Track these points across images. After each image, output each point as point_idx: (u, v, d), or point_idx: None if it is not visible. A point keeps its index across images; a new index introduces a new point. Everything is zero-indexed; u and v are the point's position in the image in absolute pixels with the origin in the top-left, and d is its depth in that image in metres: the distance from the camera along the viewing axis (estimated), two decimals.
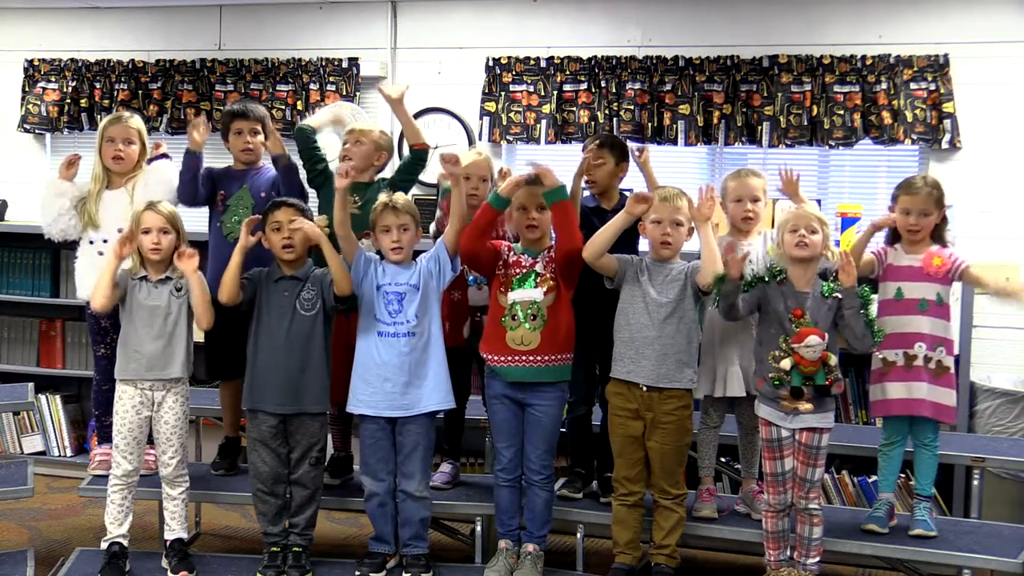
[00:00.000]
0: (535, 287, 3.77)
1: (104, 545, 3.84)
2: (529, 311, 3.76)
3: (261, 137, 4.33)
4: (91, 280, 4.01)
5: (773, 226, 4.12)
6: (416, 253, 3.94)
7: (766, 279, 3.71)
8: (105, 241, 4.21)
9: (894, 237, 3.94)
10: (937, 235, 3.89)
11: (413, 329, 3.80)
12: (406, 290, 3.82)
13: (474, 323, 4.12)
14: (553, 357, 3.78)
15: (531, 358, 3.76)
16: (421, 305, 3.81)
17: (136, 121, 4.38)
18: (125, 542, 3.86)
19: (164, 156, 4.42)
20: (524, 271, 3.80)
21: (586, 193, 4.21)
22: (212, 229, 4.34)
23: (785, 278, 3.70)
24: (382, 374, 3.79)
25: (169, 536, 3.90)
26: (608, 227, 3.75)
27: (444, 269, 3.85)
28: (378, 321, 3.83)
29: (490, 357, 3.83)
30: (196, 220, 4.95)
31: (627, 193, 4.13)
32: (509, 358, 3.78)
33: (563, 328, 3.79)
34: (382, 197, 3.87)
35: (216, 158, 4.56)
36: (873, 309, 3.76)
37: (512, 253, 3.84)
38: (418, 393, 3.81)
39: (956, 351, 3.99)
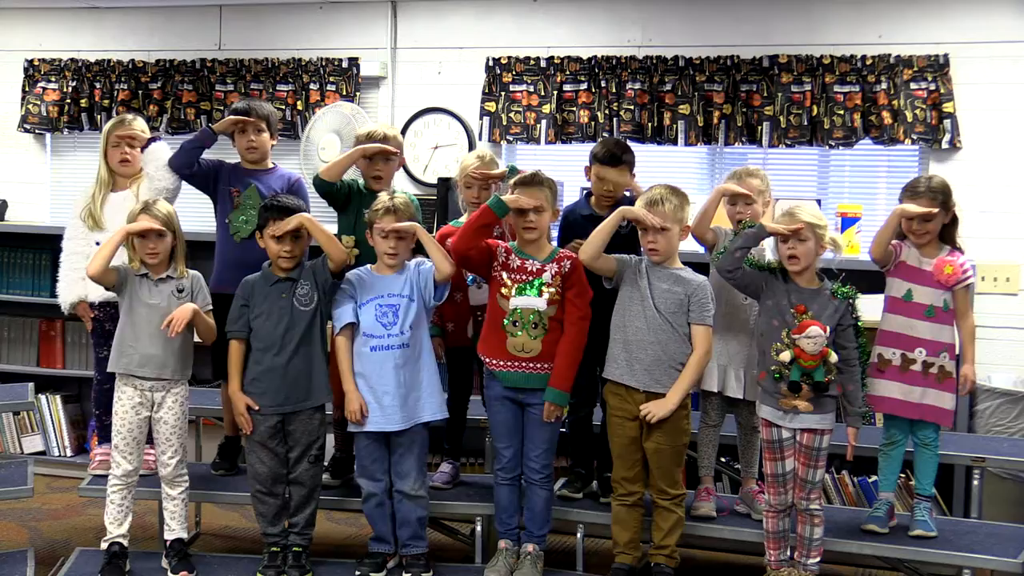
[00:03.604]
0: (539, 296, 3.75)
1: (104, 545, 3.84)
2: (531, 319, 3.75)
3: (266, 135, 4.34)
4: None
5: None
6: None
7: (774, 270, 3.72)
8: None
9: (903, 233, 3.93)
10: (948, 236, 3.87)
11: (407, 340, 3.78)
12: (400, 301, 3.80)
13: (476, 322, 4.11)
14: (553, 365, 3.77)
15: (531, 365, 3.75)
16: (416, 316, 3.80)
17: (140, 123, 4.41)
18: (125, 542, 3.85)
19: (153, 139, 4.41)
20: (530, 278, 3.78)
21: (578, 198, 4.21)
22: (219, 227, 4.34)
23: (787, 276, 3.71)
24: (381, 389, 3.78)
25: (169, 536, 3.90)
26: (601, 228, 3.73)
27: (429, 297, 3.82)
28: (368, 336, 3.80)
29: (489, 361, 3.81)
30: (198, 220, 4.98)
31: (626, 194, 4.13)
32: (509, 363, 3.77)
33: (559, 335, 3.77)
34: (382, 197, 3.86)
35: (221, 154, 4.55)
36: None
37: (514, 256, 3.81)
38: (415, 405, 3.79)
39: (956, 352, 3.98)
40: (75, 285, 4.31)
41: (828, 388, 3.62)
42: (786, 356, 3.60)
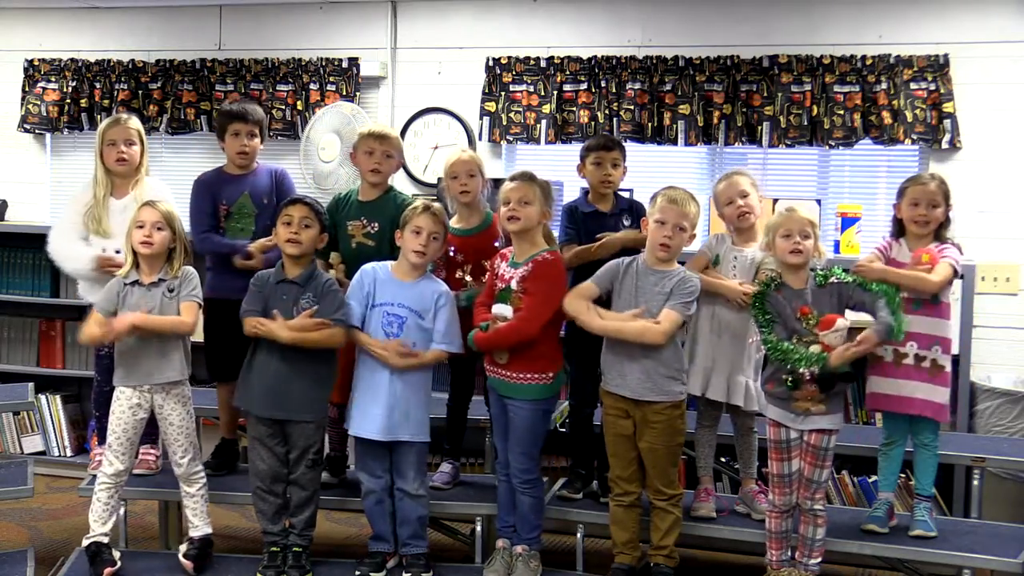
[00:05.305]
0: (507, 304, 3.71)
1: (85, 543, 3.83)
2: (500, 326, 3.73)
3: (257, 140, 4.32)
4: (99, 287, 4.04)
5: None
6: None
7: (766, 291, 3.69)
8: (117, 251, 4.17)
9: (899, 232, 3.93)
10: (939, 235, 3.88)
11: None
12: (407, 315, 3.78)
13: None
14: (523, 376, 3.72)
15: (505, 373, 3.76)
16: (419, 335, 3.79)
17: (134, 122, 4.40)
18: (106, 540, 3.83)
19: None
20: (503, 285, 3.75)
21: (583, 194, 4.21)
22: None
23: (782, 283, 3.69)
24: (372, 397, 3.77)
25: (195, 533, 3.89)
26: (609, 327, 3.67)
27: (439, 337, 3.81)
28: None
29: (486, 365, 3.86)
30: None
31: (624, 194, 4.14)
32: (492, 369, 3.81)
33: (534, 349, 3.70)
34: (421, 200, 3.87)
35: (208, 158, 4.55)
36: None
37: (504, 264, 3.80)
38: (398, 421, 3.77)
39: (956, 351, 3.98)
40: (95, 284, 4.20)
41: (855, 377, 3.64)
42: (816, 348, 3.57)
